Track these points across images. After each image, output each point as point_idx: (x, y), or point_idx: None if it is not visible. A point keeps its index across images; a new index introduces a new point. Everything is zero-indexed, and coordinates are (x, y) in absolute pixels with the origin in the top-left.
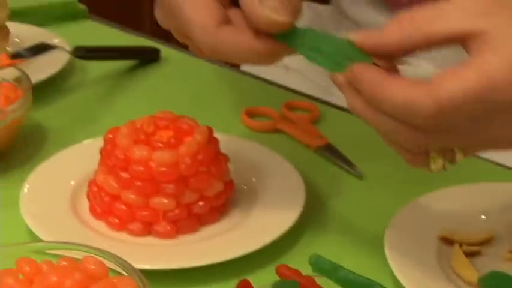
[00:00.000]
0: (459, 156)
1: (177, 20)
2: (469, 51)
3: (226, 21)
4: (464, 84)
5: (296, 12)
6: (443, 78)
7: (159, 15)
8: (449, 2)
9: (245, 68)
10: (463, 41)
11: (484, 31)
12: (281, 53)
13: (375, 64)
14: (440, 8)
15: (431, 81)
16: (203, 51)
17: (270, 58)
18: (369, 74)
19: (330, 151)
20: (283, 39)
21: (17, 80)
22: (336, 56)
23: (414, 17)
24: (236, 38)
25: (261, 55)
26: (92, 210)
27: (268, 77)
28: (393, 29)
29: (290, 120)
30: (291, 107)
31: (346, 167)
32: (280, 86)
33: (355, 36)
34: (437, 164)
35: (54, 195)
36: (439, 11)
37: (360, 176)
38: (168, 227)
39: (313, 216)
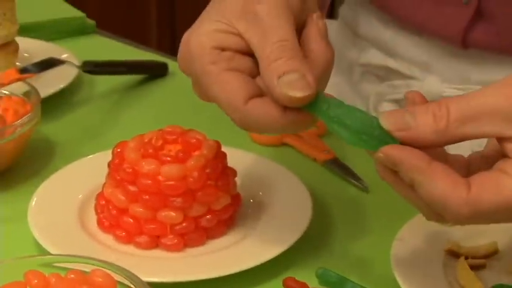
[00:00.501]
0: None
1: (206, 94)
2: (505, 150)
3: (255, 93)
4: (505, 195)
5: (320, 80)
6: (483, 188)
7: (195, 89)
8: (484, 100)
9: None
10: (497, 140)
11: None
12: (308, 123)
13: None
14: (475, 108)
15: (470, 188)
16: (235, 123)
17: (297, 128)
18: (411, 161)
19: (336, 165)
20: (308, 109)
21: (26, 95)
22: (363, 134)
23: (449, 116)
24: (263, 112)
25: (288, 126)
26: (100, 223)
27: None
28: (427, 123)
29: (297, 134)
30: None
31: (353, 181)
32: None
33: (386, 123)
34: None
35: (62, 209)
36: (474, 112)
37: (366, 190)
38: (176, 240)
39: (320, 229)
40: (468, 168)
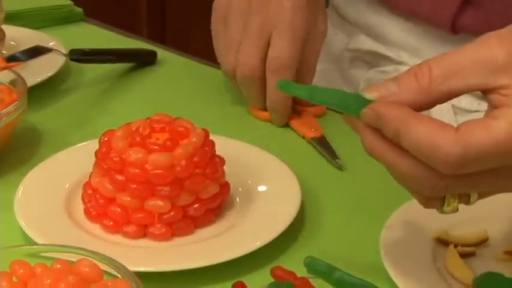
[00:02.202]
0: (474, 199)
1: None
2: (492, 102)
3: None
4: (494, 137)
5: None
6: (472, 128)
7: None
8: (465, 53)
9: None
10: (482, 92)
11: (506, 86)
12: None
13: None
14: (457, 61)
15: (459, 128)
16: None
17: None
18: (395, 111)
19: (321, 144)
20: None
21: (13, 83)
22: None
23: (432, 73)
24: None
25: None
26: (87, 212)
27: None
28: (409, 85)
29: (296, 112)
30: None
31: (330, 159)
32: None
33: (370, 95)
34: (451, 206)
35: (48, 198)
36: (456, 65)
37: (340, 168)
38: (163, 229)
39: (308, 217)
40: None
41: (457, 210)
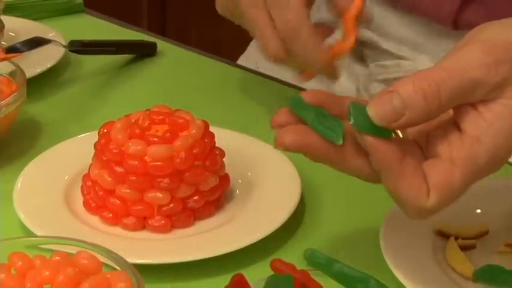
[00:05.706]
0: None
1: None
2: (459, 113)
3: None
4: (454, 195)
5: None
6: (439, 197)
7: None
8: (471, 74)
9: (242, 62)
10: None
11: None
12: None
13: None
14: (465, 85)
15: (429, 196)
16: (281, 27)
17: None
18: (387, 162)
19: None
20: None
21: (12, 74)
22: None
23: (441, 97)
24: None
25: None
26: (86, 204)
27: (267, 72)
28: (419, 107)
29: None
30: None
31: None
32: (279, 81)
33: (377, 119)
34: None
35: (48, 190)
36: (463, 89)
37: None
38: (163, 222)
39: (308, 210)
40: None
41: None
